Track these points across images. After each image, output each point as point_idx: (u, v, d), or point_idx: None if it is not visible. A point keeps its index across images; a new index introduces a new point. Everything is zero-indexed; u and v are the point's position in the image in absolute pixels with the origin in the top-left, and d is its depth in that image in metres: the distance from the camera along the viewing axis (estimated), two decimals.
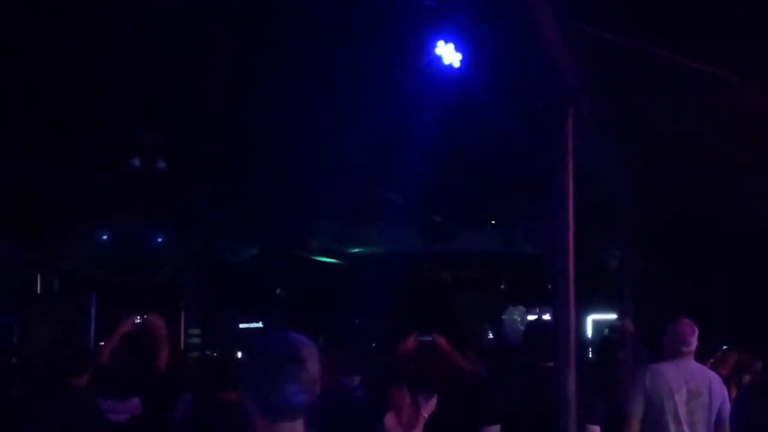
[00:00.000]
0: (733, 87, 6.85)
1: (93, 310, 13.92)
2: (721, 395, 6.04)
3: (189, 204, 13.33)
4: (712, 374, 6.24)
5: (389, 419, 6.84)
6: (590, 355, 10.95)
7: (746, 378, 8.35)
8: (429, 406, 6.96)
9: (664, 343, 6.20)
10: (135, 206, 13.54)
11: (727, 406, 5.95)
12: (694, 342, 6.10)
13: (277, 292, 17.78)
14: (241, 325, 17.35)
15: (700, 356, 6.46)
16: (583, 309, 14.59)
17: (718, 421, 5.96)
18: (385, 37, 7.10)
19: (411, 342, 7.42)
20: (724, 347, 9.29)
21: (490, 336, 17.04)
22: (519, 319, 16.88)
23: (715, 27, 6.08)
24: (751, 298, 13.36)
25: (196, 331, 14.91)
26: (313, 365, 2.63)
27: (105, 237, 14.63)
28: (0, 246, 13.47)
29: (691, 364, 6.11)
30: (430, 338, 7.44)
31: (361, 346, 11.97)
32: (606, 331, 11.86)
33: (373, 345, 12.08)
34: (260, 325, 17.31)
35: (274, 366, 2.60)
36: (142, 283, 14.81)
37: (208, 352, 14.48)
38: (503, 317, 17.34)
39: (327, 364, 7.41)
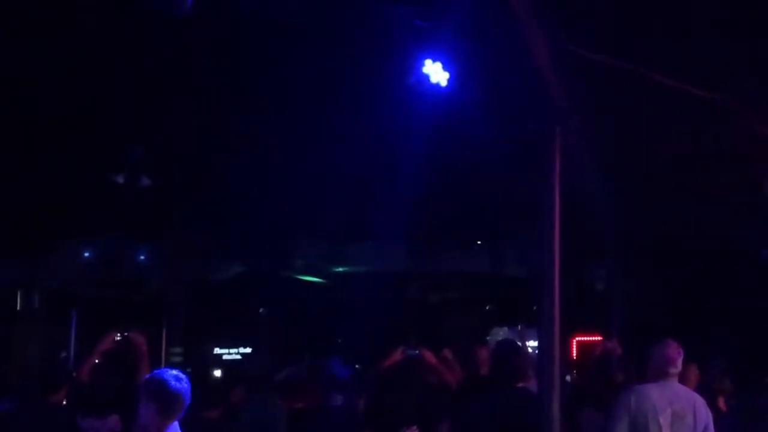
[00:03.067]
0: (722, 110, 6.87)
1: (74, 327, 13.81)
2: (705, 418, 6.00)
3: (173, 221, 13.25)
4: (697, 396, 6.20)
5: None
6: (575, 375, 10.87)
7: (720, 399, 8.33)
8: None
9: (649, 365, 6.16)
10: (118, 223, 13.44)
11: (711, 429, 5.93)
12: (680, 364, 6.07)
13: (261, 311, 17.67)
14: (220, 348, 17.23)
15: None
16: (569, 329, 14.54)
17: None
18: (374, 57, 7.09)
19: (397, 355, 7.38)
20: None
21: None
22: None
23: (705, 51, 6.10)
24: (738, 318, 13.38)
25: (177, 349, 14.78)
26: None
27: (87, 254, 14.53)
28: None
29: (676, 386, 6.08)
30: (417, 352, 7.39)
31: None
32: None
33: (357, 366, 11.98)
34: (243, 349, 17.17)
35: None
36: (124, 300, 14.71)
37: (188, 371, 14.30)
38: (488, 338, 17.28)
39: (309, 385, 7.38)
